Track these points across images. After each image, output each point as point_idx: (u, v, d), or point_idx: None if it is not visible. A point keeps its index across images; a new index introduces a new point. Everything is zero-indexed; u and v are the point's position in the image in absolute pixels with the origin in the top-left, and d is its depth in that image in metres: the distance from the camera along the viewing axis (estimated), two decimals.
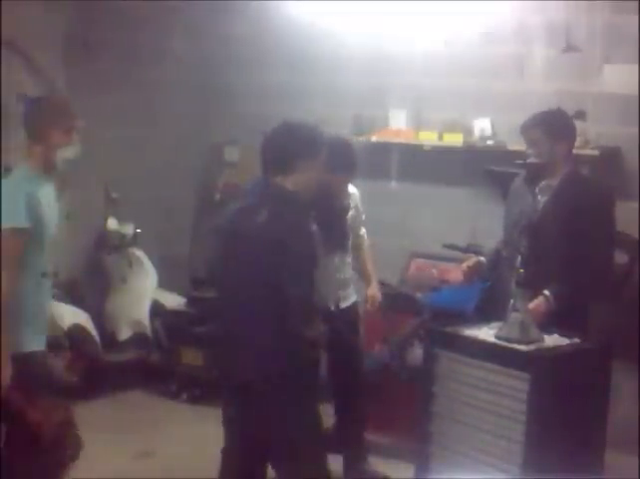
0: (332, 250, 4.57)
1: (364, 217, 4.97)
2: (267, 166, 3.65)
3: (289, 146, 3.62)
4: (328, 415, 4.91)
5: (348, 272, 4.81)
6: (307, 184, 3.64)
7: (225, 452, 3.80)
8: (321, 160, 3.67)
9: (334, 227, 4.60)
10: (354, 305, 4.87)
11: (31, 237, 3.61)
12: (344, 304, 4.77)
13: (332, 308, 4.66)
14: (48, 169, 3.80)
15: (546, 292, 4.00)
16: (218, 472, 3.83)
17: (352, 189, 4.82)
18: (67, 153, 3.81)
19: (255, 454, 3.68)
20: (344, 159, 4.53)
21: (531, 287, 3.85)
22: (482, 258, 4.46)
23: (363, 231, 4.99)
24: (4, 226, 3.55)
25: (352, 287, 4.87)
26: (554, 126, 4.22)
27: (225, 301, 3.70)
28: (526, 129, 4.26)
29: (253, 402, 3.54)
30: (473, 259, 4.47)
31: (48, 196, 3.78)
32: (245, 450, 3.69)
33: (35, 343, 3.75)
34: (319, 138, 3.69)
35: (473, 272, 4.46)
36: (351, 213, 4.76)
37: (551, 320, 3.96)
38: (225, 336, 3.69)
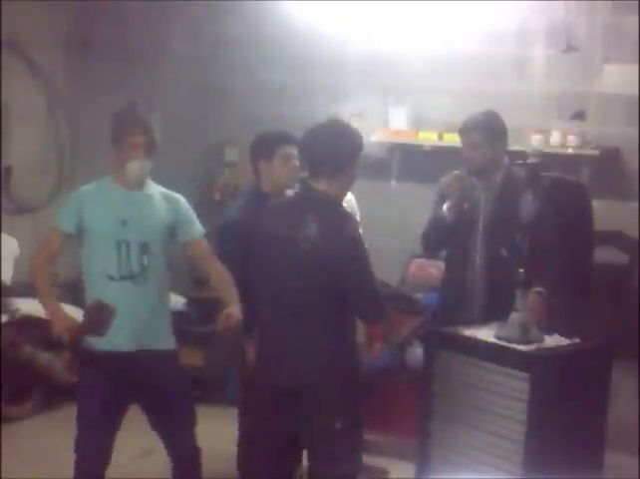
0: None
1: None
2: (314, 167, 3.54)
3: (345, 147, 3.53)
4: None
5: None
6: (348, 185, 3.63)
7: (256, 452, 3.76)
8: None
9: None
10: None
11: (86, 241, 3.78)
12: None
13: None
14: (122, 181, 3.81)
15: (537, 289, 4.01)
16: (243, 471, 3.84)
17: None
18: (134, 168, 3.76)
19: (291, 454, 3.67)
20: None
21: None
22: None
23: None
24: (50, 226, 3.84)
25: None
26: (495, 128, 4.29)
27: (271, 306, 3.60)
28: (467, 132, 4.30)
29: (305, 404, 3.50)
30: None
31: (110, 203, 3.77)
32: (281, 451, 3.64)
33: (97, 342, 3.71)
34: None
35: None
36: None
37: (552, 321, 3.97)
38: (272, 341, 3.61)
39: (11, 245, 5.70)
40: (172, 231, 3.87)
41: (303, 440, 3.62)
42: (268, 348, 3.64)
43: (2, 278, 5.53)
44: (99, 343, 3.71)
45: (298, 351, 3.51)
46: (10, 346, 5.45)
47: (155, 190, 3.90)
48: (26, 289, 5.77)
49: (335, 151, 3.51)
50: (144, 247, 3.75)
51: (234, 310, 3.77)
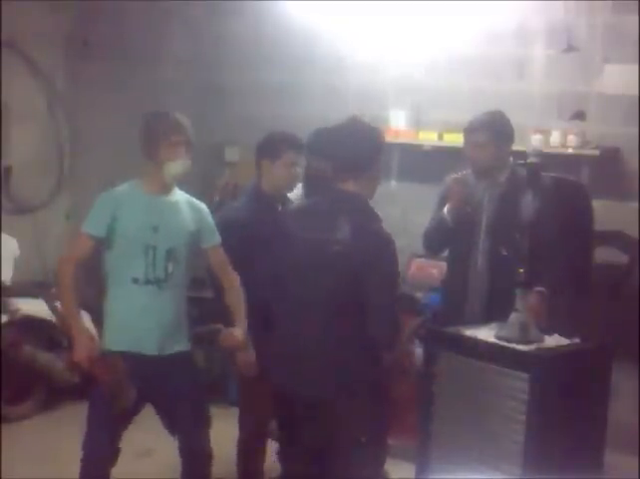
0: None
1: None
2: (337, 168, 3.44)
3: (365, 146, 3.43)
4: None
5: None
6: (374, 184, 3.51)
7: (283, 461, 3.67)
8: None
9: None
10: None
11: (114, 244, 3.76)
12: None
13: None
14: (152, 185, 3.83)
15: (538, 289, 4.01)
16: None
17: None
18: (176, 167, 3.78)
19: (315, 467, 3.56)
20: None
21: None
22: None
23: None
24: (82, 230, 3.81)
25: None
26: (501, 129, 4.29)
27: (293, 313, 3.46)
28: (472, 132, 4.30)
29: (327, 416, 3.39)
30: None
31: (142, 208, 3.78)
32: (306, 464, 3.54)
33: (115, 344, 3.77)
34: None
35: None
36: None
37: (552, 321, 3.97)
38: (295, 350, 3.46)
39: (11, 246, 5.70)
40: (195, 237, 3.89)
41: (326, 451, 3.49)
42: (289, 357, 3.48)
43: (2, 278, 5.53)
44: (120, 346, 3.76)
45: (322, 362, 3.37)
46: (10, 346, 5.45)
47: (180, 196, 3.93)
48: (26, 289, 5.79)
49: (355, 150, 3.42)
50: (170, 253, 3.78)
51: (237, 332, 3.83)
